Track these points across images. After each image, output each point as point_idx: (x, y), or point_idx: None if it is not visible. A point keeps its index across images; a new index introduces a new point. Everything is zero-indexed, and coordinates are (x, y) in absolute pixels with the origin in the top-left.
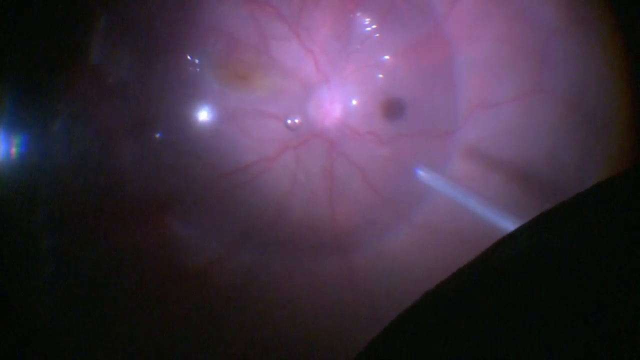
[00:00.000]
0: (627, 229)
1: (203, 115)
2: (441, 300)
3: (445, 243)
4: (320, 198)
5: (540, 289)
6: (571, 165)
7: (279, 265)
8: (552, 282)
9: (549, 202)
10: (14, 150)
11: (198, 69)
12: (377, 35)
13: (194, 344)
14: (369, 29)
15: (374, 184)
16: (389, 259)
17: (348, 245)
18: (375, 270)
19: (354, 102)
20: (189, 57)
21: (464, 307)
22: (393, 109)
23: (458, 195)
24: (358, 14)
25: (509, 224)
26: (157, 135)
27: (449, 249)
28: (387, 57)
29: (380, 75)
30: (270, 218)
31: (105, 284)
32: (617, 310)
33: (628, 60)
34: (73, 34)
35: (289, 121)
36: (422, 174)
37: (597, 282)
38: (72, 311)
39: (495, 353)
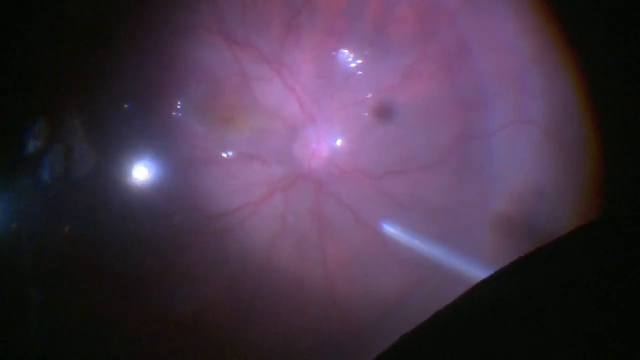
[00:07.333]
0: (600, 277)
1: (187, 159)
2: (419, 343)
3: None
4: (310, 240)
5: (514, 333)
6: (551, 197)
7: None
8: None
9: (529, 239)
10: None
11: (181, 113)
12: (361, 72)
13: None
14: (353, 65)
15: (365, 223)
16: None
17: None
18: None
19: (340, 141)
20: (172, 102)
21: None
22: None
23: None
24: (340, 51)
25: (487, 267)
26: (141, 181)
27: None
28: (371, 94)
29: (366, 114)
30: (259, 263)
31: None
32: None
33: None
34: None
35: None
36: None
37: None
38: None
39: None
